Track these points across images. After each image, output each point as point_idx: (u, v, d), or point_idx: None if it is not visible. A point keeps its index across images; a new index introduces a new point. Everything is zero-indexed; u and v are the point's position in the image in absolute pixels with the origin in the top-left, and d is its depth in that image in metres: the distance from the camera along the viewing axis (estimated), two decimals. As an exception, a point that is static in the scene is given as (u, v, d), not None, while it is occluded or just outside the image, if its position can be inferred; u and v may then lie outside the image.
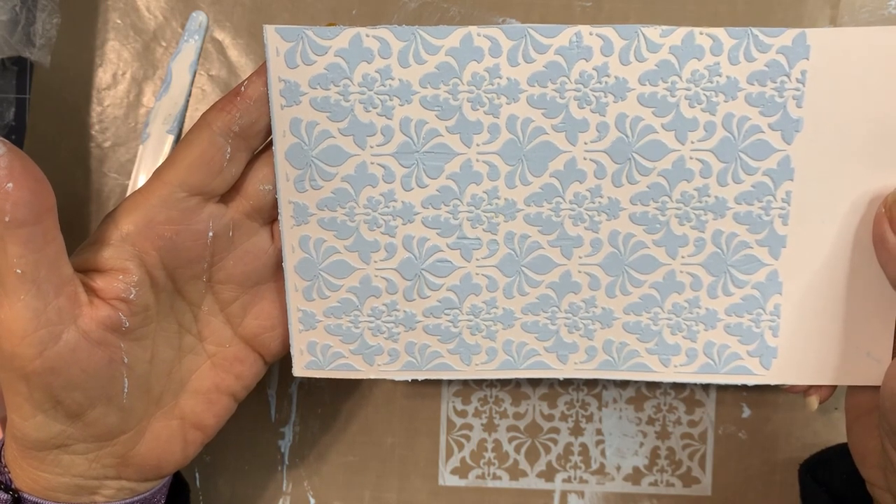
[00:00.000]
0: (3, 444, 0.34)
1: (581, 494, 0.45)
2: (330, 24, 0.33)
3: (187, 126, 0.44)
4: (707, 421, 0.44)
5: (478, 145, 0.34)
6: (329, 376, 0.36)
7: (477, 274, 0.35)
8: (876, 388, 0.35)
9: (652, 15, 0.42)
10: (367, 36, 0.32)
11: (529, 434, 0.45)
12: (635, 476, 0.45)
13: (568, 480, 0.45)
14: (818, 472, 0.40)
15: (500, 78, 0.33)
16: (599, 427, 0.44)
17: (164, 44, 0.44)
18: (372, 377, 0.36)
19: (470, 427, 0.45)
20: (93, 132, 0.44)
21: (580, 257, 0.35)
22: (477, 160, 0.34)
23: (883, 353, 0.35)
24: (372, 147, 0.34)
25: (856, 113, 0.33)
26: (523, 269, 0.35)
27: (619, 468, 0.45)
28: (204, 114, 0.32)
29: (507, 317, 0.36)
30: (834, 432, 0.44)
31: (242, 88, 0.32)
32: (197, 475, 0.45)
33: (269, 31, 0.32)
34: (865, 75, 0.33)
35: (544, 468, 0.45)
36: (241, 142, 0.32)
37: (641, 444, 0.44)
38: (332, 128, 0.33)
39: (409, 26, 0.32)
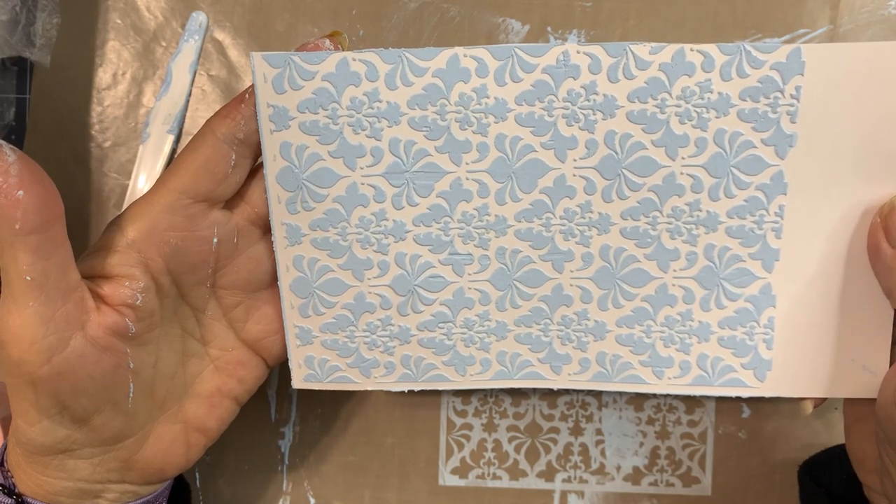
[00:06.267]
0: (6, 449, 0.34)
1: (581, 494, 0.45)
2: (334, 33, 0.33)
3: (188, 127, 0.44)
4: (707, 421, 0.44)
5: (467, 164, 0.34)
6: (327, 388, 0.37)
7: (469, 288, 0.35)
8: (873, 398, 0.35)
9: (652, 15, 0.42)
10: (354, 60, 0.32)
11: (529, 434, 0.45)
12: (635, 476, 0.45)
13: (568, 480, 0.45)
14: (818, 474, 0.40)
15: (488, 97, 0.33)
16: (599, 427, 0.45)
17: (164, 44, 0.44)
18: (369, 389, 0.37)
19: (470, 427, 0.45)
20: (93, 132, 0.44)
21: (572, 271, 0.35)
22: (467, 178, 0.34)
23: (878, 365, 0.35)
24: (362, 168, 0.34)
25: (850, 126, 0.33)
26: (515, 282, 0.35)
27: (619, 468, 0.45)
28: (208, 120, 0.32)
29: (501, 329, 0.36)
30: (834, 433, 0.44)
31: (246, 95, 0.32)
32: (197, 475, 0.45)
33: (256, 58, 0.32)
34: (861, 89, 0.32)
35: (544, 468, 0.45)
36: (245, 148, 0.32)
37: (641, 444, 0.45)
38: (322, 150, 0.33)
39: (395, 49, 0.32)
